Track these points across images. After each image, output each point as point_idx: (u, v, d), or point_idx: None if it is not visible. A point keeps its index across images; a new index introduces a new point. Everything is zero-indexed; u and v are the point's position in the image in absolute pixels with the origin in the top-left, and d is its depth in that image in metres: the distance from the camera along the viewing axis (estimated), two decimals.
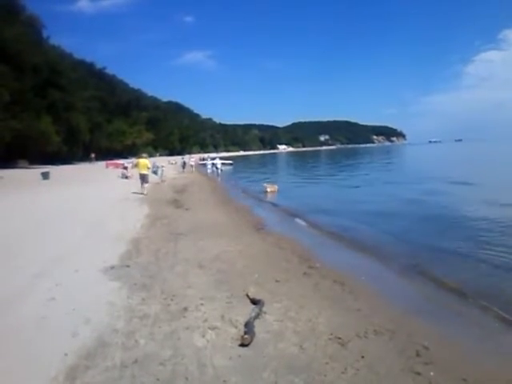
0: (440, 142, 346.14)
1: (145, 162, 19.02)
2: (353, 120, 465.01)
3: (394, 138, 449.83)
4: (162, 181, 25.67)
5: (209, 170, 45.61)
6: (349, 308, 5.39)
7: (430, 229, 11.59)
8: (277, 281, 6.34)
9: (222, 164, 55.52)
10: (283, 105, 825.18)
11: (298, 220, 13.44)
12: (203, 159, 67.02)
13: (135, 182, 25.62)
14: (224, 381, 3.44)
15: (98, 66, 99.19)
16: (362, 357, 3.93)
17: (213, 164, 49.44)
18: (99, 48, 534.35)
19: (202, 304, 5.15)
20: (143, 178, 18.86)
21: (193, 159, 61.03)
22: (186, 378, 3.47)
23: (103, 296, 5.41)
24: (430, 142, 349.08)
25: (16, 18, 48.02)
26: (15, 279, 6.15)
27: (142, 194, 18.27)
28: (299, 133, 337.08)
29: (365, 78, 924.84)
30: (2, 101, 39.75)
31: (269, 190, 22.48)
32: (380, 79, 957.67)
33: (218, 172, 40.45)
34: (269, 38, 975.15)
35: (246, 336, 4.11)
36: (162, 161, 45.23)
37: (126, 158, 68.85)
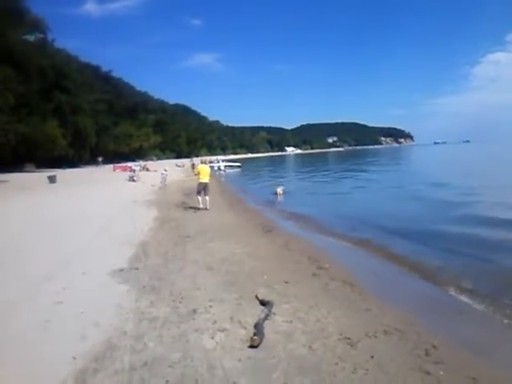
0: (445, 143, 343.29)
1: (207, 168, 15.97)
2: (361, 122, 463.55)
3: (402, 140, 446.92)
4: (165, 185, 25.09)
5: (216, 173, 46.31)
6: (358, 308, 5.36)
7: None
8: (286, 282, 6.31)
9: (230, 166, 56.17)
10: (291, 107, 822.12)
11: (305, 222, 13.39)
12: (211, 162, 67.53)
13: (142, 185, 25.77)
14: (234, 382, 3.43)
15: (104, 68, 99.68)
16: (372, 357, 3.91)
17: (219, 167, 50.51)
18: (106, 51, 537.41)
19: (210, 306, 5.14)
20: (205, 188, 15.16)
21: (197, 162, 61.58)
22: (196, 380, 3.46)
23: (112, 299, 5.42)
24: (436, 143, 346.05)
25: (21, 21, 47.78)
26: (22, 282, 6.16)
27: (201, 208, 14.78)
28: (307, 135, 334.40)
29: (373, 80, 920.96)
30: (8, 104, 39.85)
31: (278, 191, 22.44)
32: (388, 81, 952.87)
33: (223, 174, 40.87)
34: (277, 41, 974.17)
35: (255, 337, 4.10)
36: (167, 164, 45.28)
37: (133, 160, 69.09)
